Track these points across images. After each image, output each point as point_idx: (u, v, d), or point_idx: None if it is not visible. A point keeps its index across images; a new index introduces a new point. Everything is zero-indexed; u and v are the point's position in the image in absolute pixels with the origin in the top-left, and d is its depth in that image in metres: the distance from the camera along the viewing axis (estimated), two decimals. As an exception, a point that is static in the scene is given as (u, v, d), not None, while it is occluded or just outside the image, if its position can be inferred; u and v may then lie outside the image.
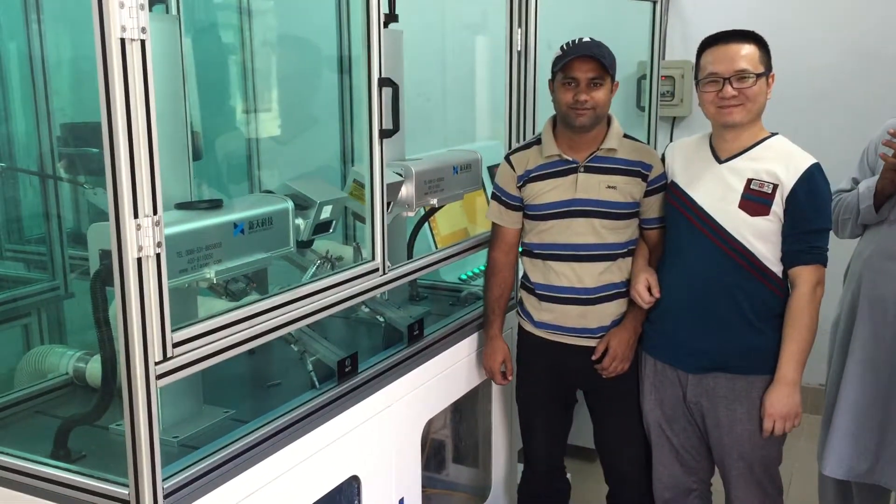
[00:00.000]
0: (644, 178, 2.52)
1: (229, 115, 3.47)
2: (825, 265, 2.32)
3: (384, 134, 2.23)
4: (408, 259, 2.71)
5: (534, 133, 2.82)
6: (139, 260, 1.54)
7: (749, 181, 2.30)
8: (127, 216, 1.52)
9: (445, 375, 2.65)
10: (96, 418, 1.81)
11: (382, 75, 2.18)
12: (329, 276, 2.15)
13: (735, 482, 2.45)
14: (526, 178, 2.58)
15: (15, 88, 2.80)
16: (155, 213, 1.56)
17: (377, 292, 2.32)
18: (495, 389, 2.97)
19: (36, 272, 2.81)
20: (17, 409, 2.12)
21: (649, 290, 2.46)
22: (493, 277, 2.72)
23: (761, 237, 2.29)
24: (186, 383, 2.01)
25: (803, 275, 2.29)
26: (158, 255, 1.58)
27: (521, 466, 3.10)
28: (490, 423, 3.03)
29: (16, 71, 2.80)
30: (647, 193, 2.53)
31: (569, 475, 3.01)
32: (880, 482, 2.62)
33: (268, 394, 2.26)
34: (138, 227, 1.53)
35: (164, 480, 1.67)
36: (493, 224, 2.71)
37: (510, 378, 2.77)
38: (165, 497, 1.66)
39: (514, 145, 2.77)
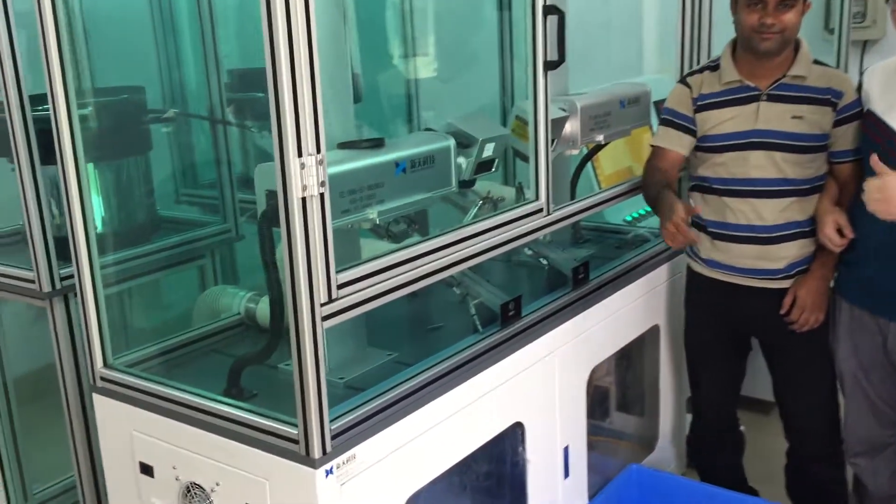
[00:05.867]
0: (834, 106, 2.28)
1: (389, 55, 3.43)
2: None
3: (549, 66, 2.11)
4: (571, 199, 2.59)
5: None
6: (304, 200, 1.52)
7: None
8: (291, 155, 1.49)
9: (612, 321, 2.54)
10: (265, 358, 1.84)
11: (547, 2, 2.05)
12: (491, 217, 2.07)
13: None
14: (702, 103, 2.39)
15: (185, 37, 2.88)
16: (318, 151, 1.53)
17: (541, 234, 2.22)
18: (664, 336, 2.82)
19: (210, 215, 2.91)
20: (194, 347, 2.19)
21: (839, 231, 2.23)
22: (652, 177, 2.49)
23: None
24: (351, 325, 2.00)
25: None
26: (322, 195, 1.55)
27: (690, 416, 2.96)
28: (658, 370, 2.90)
29: (185, 20, 2.87)
30: (837, 123, 2.29)
31: (742, 428, 2.84)
32: None
33: (430, 337, 2.23)
34: (302, 165, 1.50)
35: (331, 421, 1.67)
36: (654, 149, 2.50)
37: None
38: (333, 437, 1.66)
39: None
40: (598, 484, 2.68)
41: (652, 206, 2.50)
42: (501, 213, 2.11)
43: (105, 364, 2.01)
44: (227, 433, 1.76)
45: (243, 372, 1.89)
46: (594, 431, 3.05)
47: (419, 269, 1.84)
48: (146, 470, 1.94)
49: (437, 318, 2.33)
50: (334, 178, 1.68)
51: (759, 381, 2.74)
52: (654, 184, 2.49)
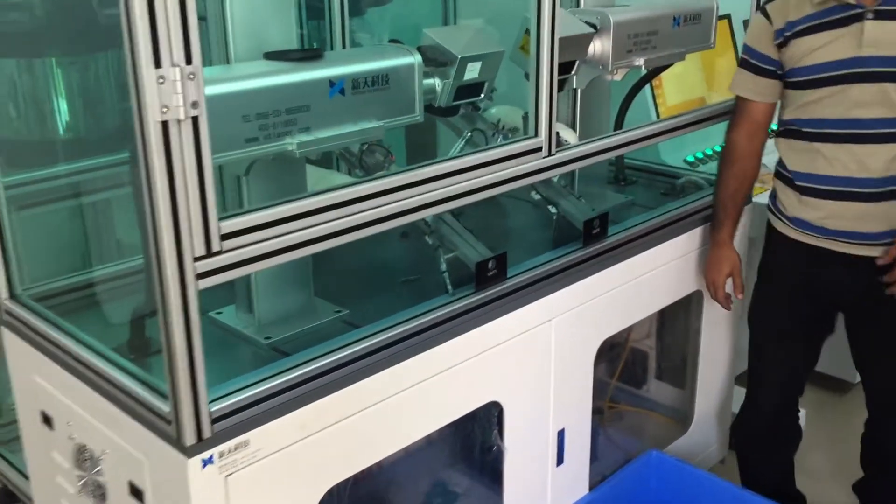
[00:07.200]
0: None
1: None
2: None
3: (558, -37, 1.65)
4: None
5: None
6: (164, 124, 1.16)
7: None
8: (144, 65, 1.13)
9: (634, 286, 2.10)
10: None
11: None
12: (467, 155, 1.66)
13: None
14: (788, 33, 1.92)
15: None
16: (189, 61, 1.16)
17: (538, 178, 1.80)
18: (708, 303, 2.37)
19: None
20: (135, 279, 1.90)
21: None
22: (730, 167, 2.11)
23: None
24: (293, 272, 1.68)
25: None
26: (195, 119, 1.19)
27: (737, 391, 2.54)
28: (698, 341, 2.46)
29: None
30: None
31: (803, 420, 2.39)
32: None
33: (400, 292, 1.87)
34: (161, 79, 1.14)
35: (220, 399, 1.36)
36: (738, 99, 2.07)
37: (740, 296, 2.20)
38: (217, 420, 1.35)
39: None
40: (619, 463, 2.32)
41: (713, 209, 2.21)
42: (484, 150, 1.69)
43: (11, 296, 1.74)
44: (111, 397, 1.47)
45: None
46: (625, 401, 2.69)
47: (353, 218, 1.46)
48: (47, 420, 1.69)
49: (419, 269, 1.95)
50: (235, 98, 1.33)
51: (834, 356, 2.32)
52: (724, 181, 2.15)
